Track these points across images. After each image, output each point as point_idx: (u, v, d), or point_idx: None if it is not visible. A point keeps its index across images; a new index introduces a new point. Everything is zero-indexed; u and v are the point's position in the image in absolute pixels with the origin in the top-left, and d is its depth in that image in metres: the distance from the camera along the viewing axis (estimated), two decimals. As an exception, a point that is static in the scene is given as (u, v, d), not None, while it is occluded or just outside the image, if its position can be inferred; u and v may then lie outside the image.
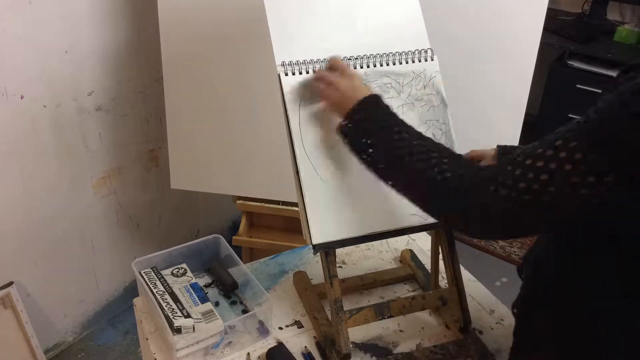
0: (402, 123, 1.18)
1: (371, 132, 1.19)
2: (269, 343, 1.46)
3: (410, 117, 1.42)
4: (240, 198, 2.47)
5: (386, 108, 1.22)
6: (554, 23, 3.65)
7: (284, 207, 2.45)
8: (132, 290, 2.83)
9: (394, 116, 1.20)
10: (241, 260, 1.62)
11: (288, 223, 2.53)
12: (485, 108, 2.06)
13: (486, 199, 0.97)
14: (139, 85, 2.56)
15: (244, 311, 1.54)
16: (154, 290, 1.52)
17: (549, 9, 1.96)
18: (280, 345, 1.44)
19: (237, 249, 1.93)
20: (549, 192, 0.91)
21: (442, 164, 1.06)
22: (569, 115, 3.31)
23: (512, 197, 0.94)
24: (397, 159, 1.13)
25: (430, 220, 1.39)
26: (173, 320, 1.43)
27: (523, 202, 0.94)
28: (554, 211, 0.94)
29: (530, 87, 2.05)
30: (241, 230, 2.56)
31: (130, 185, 2.70)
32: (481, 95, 2.05)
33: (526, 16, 1.98)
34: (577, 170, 0.87)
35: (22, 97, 2.15)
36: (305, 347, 1.45)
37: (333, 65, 1.35)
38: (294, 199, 1.38)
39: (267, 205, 2.45)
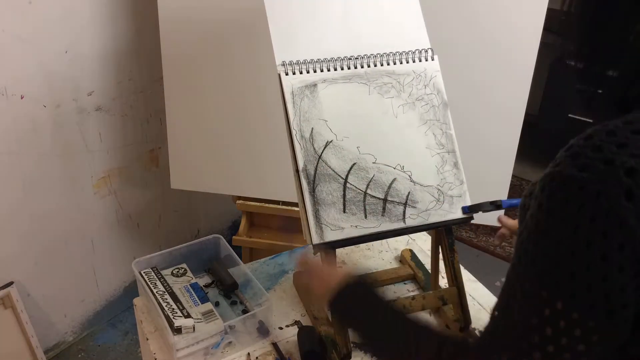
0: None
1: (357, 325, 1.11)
2: (268, 343, 1.46)
3: (410, 116, 1.42)
4: (240, 198, 2.47)
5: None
6: (554, 23, 3.64)
7: (284, 207, 2.45)
8: (132, 290, 2.83)
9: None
10: (241, 260, 1.62)
11: (288, 223, 2.53)
12: (485, 108, 2.06)
13: None
14: (139, 85, 2.56)
15: (244, 311, 1.54)
16: (154, 290, 1.52)
17: (549, 9, 1.96)
18: (310, 328, 1.46)
19: (237, 249, 1.92)
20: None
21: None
22: (569, 115, 3.31)
23: None
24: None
25: (431, 220, 1.39)
26: (173, 320, 1.43)
27: None
28: None
29: (530, 87, 2.05)
30: (241, 230, 2.56)
31: (130, 185, 2.70)
32: (481, 95, 2.05)
33: (526, 16, 1.98)
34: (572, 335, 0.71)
35: (22, 97, 2.15)
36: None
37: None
38: (294, 199, 1.38)
39: (267, 205, 2.45)
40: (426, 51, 1.46)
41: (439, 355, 0.87)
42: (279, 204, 2.46)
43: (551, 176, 0.67)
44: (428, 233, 1.54)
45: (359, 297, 1.09)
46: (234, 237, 2.51)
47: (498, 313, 0.80)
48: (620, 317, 0.68)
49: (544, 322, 0.71)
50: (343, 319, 1.15)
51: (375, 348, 1.11)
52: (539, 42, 1.99)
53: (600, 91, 0.77)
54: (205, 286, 1.63)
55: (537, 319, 0.72)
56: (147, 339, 1.49)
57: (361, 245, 1.72)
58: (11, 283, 2.33)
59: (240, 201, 2.47)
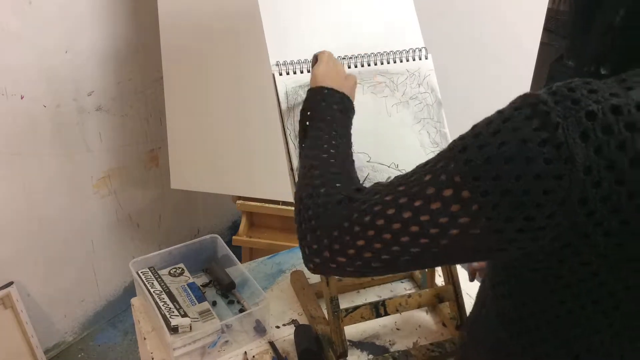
0: (336, 138, 1.11)
1: (313, 119, 1.16)
2: (266, 342, 1.46)
3: (404, 115, 1.42)
4: (240, 198, 2.47)
5: (335, 114, 1.16)
6: (554, 23, 3.64)
7: (284, 207, 2.45)
8: (132, 290, 2.83)
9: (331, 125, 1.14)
10: (241, 260, 1.62)
11: (288, 223, 2.53)
12: (484, 108, 2.05)
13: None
14: (139, 85, 2.56)
15: (241, 310, 1.54)
16: (152, 290, 1.53)
17: (548, 9, 1.96)
18: (306, 326, 1.47)
19: (237, 249, 1.93)
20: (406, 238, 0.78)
21: (328, 183, 0.97)
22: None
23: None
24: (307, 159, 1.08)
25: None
26: (170, 319, 1.43)
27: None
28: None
29: (530, 87, 2.05)
30: (241, 230, 2.57)
31: (130, 185, 2.71)
32: (480, 95, 2.05)
33: (526, 16, 1.98)
34: (448, 210, 0.73)
35: (22, 97, 2.16)
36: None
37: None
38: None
39: (267, 205, 2.46)
40: (420, 50, 1.46)
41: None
42: (279, 204, 2.46)
43: (526, 94, 0.70)
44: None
45: (333, 109, 1.16)
46: (233, 237, 2.52)
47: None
48: (513, 230, 0.69)
49: (436, 198, 0.74)
50: (308, 109, 1.18)
51: (305, 146, 1.14)
52: (539, 42, 1.99)
53: None
54: (203, 286, 1.63)
55: (433, 190, 0.74)
56: (145, 339, 1.50)
57: (359, 244, 1.72)
58: (11, 283, 2.34)
59: (240, 201, 2.48)
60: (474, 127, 0.73)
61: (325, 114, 1.15)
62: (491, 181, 0.68)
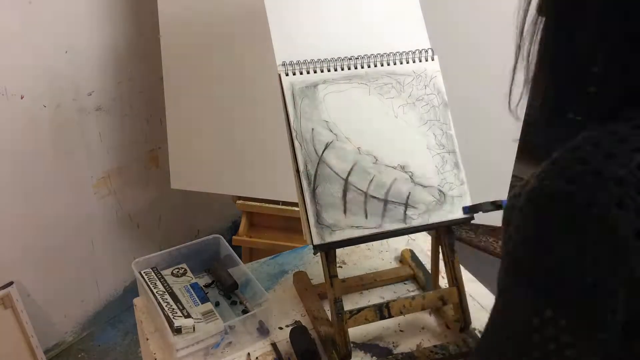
0: None
1: None
2: (269, 343, 1.46)
3: (410, 117, 1.42)
4: (240, 198, 2.47)
5: None
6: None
7: (284, 207, 2.45)
8: (132, 290, 2.83)
9: None
10: (242, 260, 1.62)
11: (288, 223, 2.53)
12: (484, 108, 2.05)
13: None
14: (139, 85, 2.56)
15: (244, 311, 1.54)
16: (154, 291, 1.52)
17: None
18: (302, 327, 1.46)
19: (237, 249, 1.92)
20: None
21: None
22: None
23: None
24: None
25: (431, 220, 1.39)
26: (173, 320, 1.43)
27: None
28: None
29: (530, 88, 2.04)
30: (241, 230, 2.56)
31: (130, 185, 2.70)
32: (481, 95, 2.05)
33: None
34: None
35: (22, 97, 2.16)
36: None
37: None
38: (294, 199, 1.38)
39: (267, 205, 2.45)
40: (426, 51, 1.46)
41: None
42: (279, 204, 2.46)
43: (538, 190, 0.67)
44: (428, 233, 1.54)
45: None
46: (234, 237, 2.51)
47: (486, 328, 0.80)
48: (607, 322, 0.66)
49: (532, 330, 0.69)
50: None
51: None
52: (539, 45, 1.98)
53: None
54: (205, 286, 1.62)
55: (524, 327, 0.70)
56: (147, 339, 1.49)
57: (361, 245, 1.71)
58: (11, 283, 2.33)
59: (240, 201, 2.47)
60: (517, 249, 0.70)
61: None
62: (581, 303, 0.65)
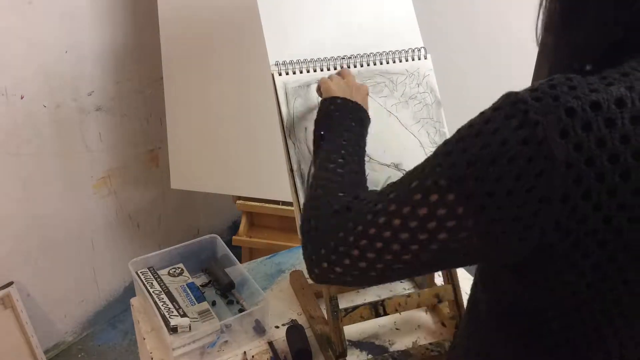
0: (349, 146, 1.12)
1: (327, 128, 1.17)
2: (265, 342, 1.46)
3: (404, 115, 1.42)
4: (240, 198, 2.48)
5: (355, 124, 1.18)
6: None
7: (284, 207, 2.45)
8: (132, 290, 2.82)
9: (351, 134, 1.15)
10: (241, 260, 1.62)
11: (288, 223, 2.53)
12: (478, 106, 2.05)
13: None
14: (139, 85, 2.56)
15: (241, 310, 1.54)
16: (151, 290, 1.53)
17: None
18: (298, 326, 1.47)
19: (237, 249, 1.93)
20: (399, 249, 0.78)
21: (331, 192, 0.98)
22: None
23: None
24: (317, 167, 1.09)
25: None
26: (169, 319, 1.43)
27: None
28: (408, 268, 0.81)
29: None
30: (241, 230, 2.57)
31: (130, 185, 2.71)
32: (480, 95, 2.05)
33: (526, 16, 1.98)
34: (435, 215, 0.72)
35: (22, 97, 2.16)
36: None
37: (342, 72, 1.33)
38: (292, 198, 1.39)
39: (267, 205, 2.46)
40: (419, 50, 1.46)
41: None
42: (279, 204, 2.46)
43: (507, 94, 0.69)
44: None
45: (347, 118, 1.17)
46: (233, 237, 2.52)
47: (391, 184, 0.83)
48: (500, 231, 0.69)
49: (423, 203, 0.73)
50: (320, 119, 1.20)
51: (316, 156, 1.16)
52: (539, 42, 1.98)
53: None
54: (202, 286, 1.63)
55: (420, 196, 0.73)
56: (144, 339, 1.50)
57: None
58: (11, 283, 2.34)
59: (240, 201, 2.48)
60: (458, 130, 0.73)
61: (338, 123, 1.16)
62: (475, 183, 0.68)
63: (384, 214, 0.78)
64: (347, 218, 0.85)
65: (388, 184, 0.83)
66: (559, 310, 0.74)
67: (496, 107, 0.69)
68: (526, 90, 0.68)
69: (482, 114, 0.71)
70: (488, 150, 0.67)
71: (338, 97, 1.19)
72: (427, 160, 0.76)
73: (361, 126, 1.18)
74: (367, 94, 1.28)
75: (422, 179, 0.74)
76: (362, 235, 0.81)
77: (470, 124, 0.71)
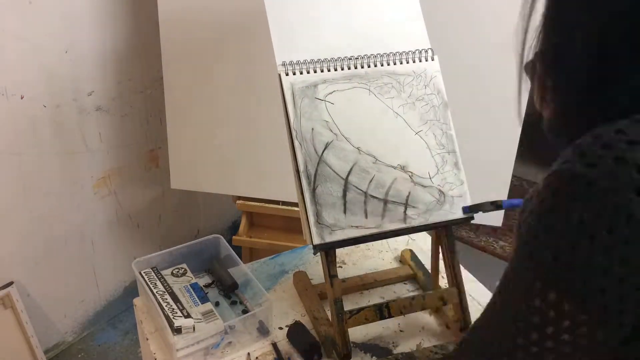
0: None
1: None
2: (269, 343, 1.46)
3: (410, 116, 1.42)
4: (240, 198, 2.47)
5: None
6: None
7: (284, 207, 2.45)
8: (132, 290, 2.83)
9: None
10: (242, 260, 1.62)
11: (288, 223, 2.53)
12: (485, 108, 2.06)
13: None
14: (139, 85, 2.56)
15: (244, 311, 1.54)
16: (154, 290, 1.52)
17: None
18: (299, 324, 1.47)
19: (237, 249, 1.92)
20: None
21: None
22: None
23: None
24: None
25: (431, 220, 1.39)
26: (173, 320, 1.43)
27: None
28: None
29: (530, 87, 2.04)
30: (241, 230, 2.57)
31: (130, 185, 2.70)
32: (481, 95, 2.05)
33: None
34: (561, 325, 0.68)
35: (22, 97, 2.15)
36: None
37: None
38: (294, 199, 1.38)
39: (267, 205, 2.46)
40: (426, 51, 1.46)
41: None
42: (279, 204, 2.46)
43: (558, 173, 0.66)
44: (428, 233, 1.54)
45: None
46: (234, 237, 2.51)
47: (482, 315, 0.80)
48: (614, 313, 0.65)
49: (533, 311, 0.69)
50: None
51: None
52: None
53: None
54: (205, 286, 1.62)
55: (526, 307, 0.70)
56: (147, 339, 1.49)
57: (361, 245, 1.72)
58: (11, 283, 2.33)
59: (240, 201, 2.48)
60: (529, 231, 0.69)
61: None
62: (582, 284, 0.64)
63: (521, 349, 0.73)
64: None
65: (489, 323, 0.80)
66: None
67: (554, 191, 0.66)
68: (574, 161, 0.64)
69: (542, 203, 0.67)
70: (569, 238, 0.64)
71: None
72: (515, 284, 0.73)
73: None
74: None
75: (527, 298, 0.70)
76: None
77: (542, 225, 0.67)
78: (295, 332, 1.45)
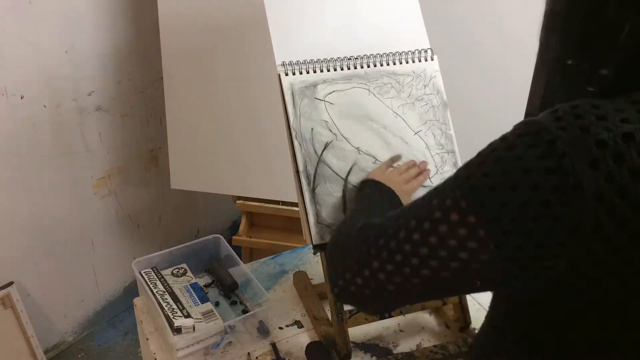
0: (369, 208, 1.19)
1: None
2: (269, 343, 1.46)
3: (410, 116, 1.42)
4: (240, 198, 2.47)
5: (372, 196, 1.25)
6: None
7: (284, 207, 2.45)
8: (132, 290, 2.83)
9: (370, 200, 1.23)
10: (242, 260, 1.62)
11: (288, 223, 2.53)
12: (485, 108, 2.05)
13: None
14: (139, 85, 2.56)
15: (244, 311, 1.54)
16: (154, 290, 1.52)
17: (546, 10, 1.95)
18: (319, 344, 1.46)
19: (237, 249, 1.92)
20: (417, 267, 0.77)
21: (351, 220, 1.02)
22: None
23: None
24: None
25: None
26: (173, 320, 1.43)
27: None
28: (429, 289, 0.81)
29: (530, 87, 2.04)
30: (241, 230, 2.57)
31: (130, 185, 2.70)
32: (481, 95, 2.05)
33: (526, 16, 1.97)
34: (455, 234, 0.72)
35: (22, 97, 2.15)
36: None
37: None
38: (294, 199, 1.38)
39: (267, 205, 2.46)
40: (425, 51, 1.46)
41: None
42: (279, 204, 2.46)
43: (530, 123, 0.68)
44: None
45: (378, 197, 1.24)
46: (234, 237, 2.51)
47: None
48: (524, 256, 0.68)
49: (443, 221, 0.73)
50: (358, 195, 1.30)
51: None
52: (539, 42, 1.98)
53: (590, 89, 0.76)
54: (205, 286, 1.63)
55: (440, 214, 0.74)
56: (147, 339, 1.49)
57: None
58: (11, 283, 2.33)
59: (240, 201, 2.48)
60: (479, 154, 0.72)
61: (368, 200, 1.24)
62: (498, 207, 0.67)
63: (404, 228, 0.79)
64: (369, 233, 0.86)
65: (411, 202, 0.85)
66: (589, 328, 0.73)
67: (519, 134, 0.68)
68: (548, 118, 0.67)
69: (503, 138, 0.70)
70: (509, 177, 0.66)
71: (378, 182, 1.26)
72: (447, 180, 0.76)
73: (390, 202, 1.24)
74: (415, 190, 1.33)
75: (442, 198, 0.74)
76: (383, 247, 0.81)
77: (493, 149, 0.70)
78: (314, 350, 1.44)
